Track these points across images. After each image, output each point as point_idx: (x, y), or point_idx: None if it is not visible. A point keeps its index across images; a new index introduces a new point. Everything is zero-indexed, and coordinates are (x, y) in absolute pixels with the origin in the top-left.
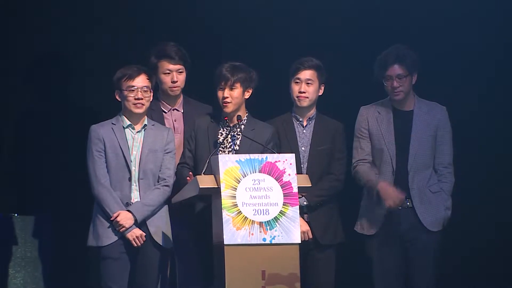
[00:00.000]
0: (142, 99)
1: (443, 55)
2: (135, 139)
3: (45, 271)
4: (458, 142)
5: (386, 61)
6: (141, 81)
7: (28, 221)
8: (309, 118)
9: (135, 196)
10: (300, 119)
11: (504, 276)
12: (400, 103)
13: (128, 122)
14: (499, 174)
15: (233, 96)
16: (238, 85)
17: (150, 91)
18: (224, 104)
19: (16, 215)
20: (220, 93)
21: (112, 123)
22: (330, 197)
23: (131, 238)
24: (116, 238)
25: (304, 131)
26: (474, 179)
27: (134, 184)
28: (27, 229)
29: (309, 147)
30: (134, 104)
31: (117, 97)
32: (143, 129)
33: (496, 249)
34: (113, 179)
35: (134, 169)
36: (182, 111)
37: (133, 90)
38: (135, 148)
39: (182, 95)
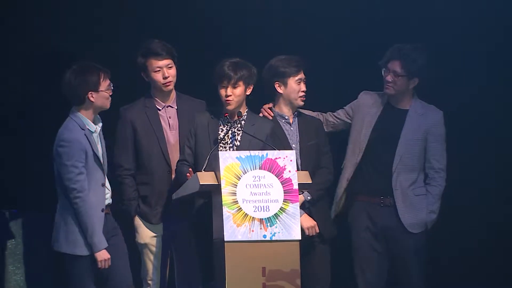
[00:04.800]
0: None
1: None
2: (98, 143)
3: (45, 268)
4: (453, 142)
5: (392, 54)
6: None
7: (28, 217)
8: (294, 115)
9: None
10: (286, 117)
11: (494, 276)
12: (396, 100)
13: (94, 126)
14: (492, 174)
15: (236, 94)
16: (241, 83)
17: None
18: (227, 102)
19: (16, 211)
20: (222, 91)
21: (82, 129)
22: (326, 190)
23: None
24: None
25: (292, 128)
26: (465, 179)
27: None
28: (28, 225)
29: (298, 143)
30: (110, 101)
31: (92, 99)
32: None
33: (487, 249)
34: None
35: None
36: (176, 108)
37: (110, 88)
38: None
39: (175, 91)
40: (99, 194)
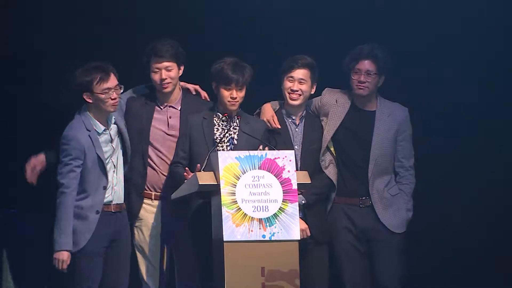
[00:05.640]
0: (117, 98)
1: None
2: (107, 144)
3: (45, 268)
4: (445, 142)
5: (360, 54)
6: (113, 80)
7: (28, 217)
8: (301, 117)
9: None
10: (293, 118)
11: (487, 276)
12: (362, 102)
13: (102, 127)
14: (487, 174)
15: (241, 96)
16: (245, 85)
17: (120, 87)
18: (233, 103)
19: (16, 211)
20: (227, 93)
21: (87, 129)
22: (324, 195)
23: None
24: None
25: (297, 129)
26: (464, 179)
27: None
28: (27, 225)
29: (301, 146)
30: (113, 104)
31: (89, 100)
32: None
33: (482, 250)
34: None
35: None
36: (179, 108)
37: (108, 92)
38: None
39: (181, 92)
40: (97, 197)
